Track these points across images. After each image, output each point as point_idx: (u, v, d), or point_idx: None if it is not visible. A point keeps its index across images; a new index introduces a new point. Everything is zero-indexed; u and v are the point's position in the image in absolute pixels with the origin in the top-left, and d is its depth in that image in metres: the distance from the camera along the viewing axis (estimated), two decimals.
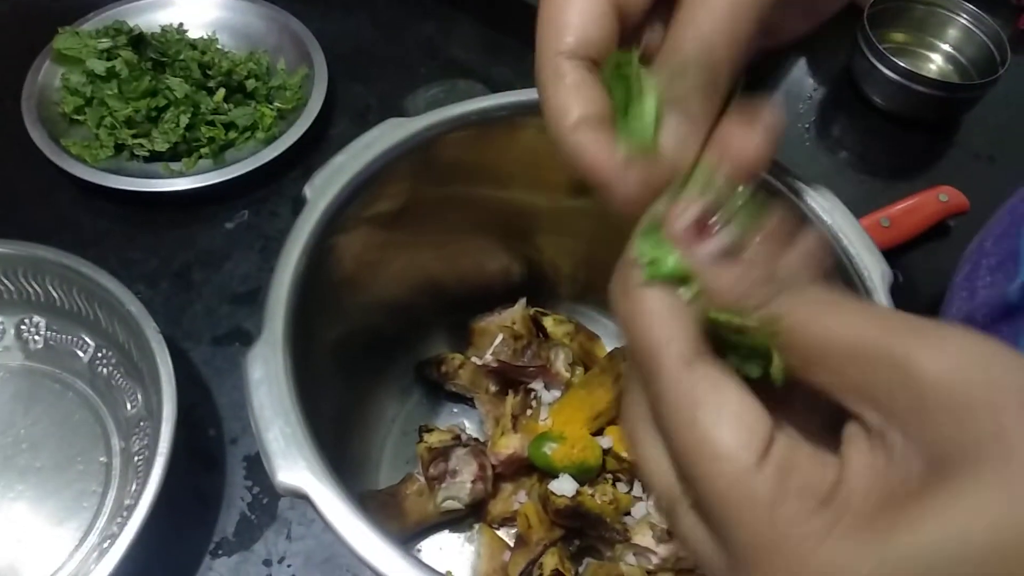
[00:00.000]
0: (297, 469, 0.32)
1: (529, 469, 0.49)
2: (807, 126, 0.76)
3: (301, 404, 0.34)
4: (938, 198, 0.65)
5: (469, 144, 0.45)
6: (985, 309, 0.46)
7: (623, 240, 0.24)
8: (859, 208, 0.44)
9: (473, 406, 0.54)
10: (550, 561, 0.44)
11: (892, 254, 0.61)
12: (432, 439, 0.48)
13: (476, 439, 0.50)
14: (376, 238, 0.46)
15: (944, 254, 0.58)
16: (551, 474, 0.46)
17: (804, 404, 0.20)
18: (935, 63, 0.79)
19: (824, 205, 0.39)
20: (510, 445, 0.47)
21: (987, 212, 0.51)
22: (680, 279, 0.21)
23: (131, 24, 0.70)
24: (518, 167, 0.48)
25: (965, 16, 0.76)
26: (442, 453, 0.47)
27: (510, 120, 0.45)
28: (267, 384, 0.34)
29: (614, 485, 0.47)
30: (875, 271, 0.37)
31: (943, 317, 0.52)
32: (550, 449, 0.46)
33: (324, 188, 0.40)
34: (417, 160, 0.43)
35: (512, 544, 0.48)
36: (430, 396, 0.55)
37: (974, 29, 0.75)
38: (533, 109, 0.45)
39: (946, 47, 0.78)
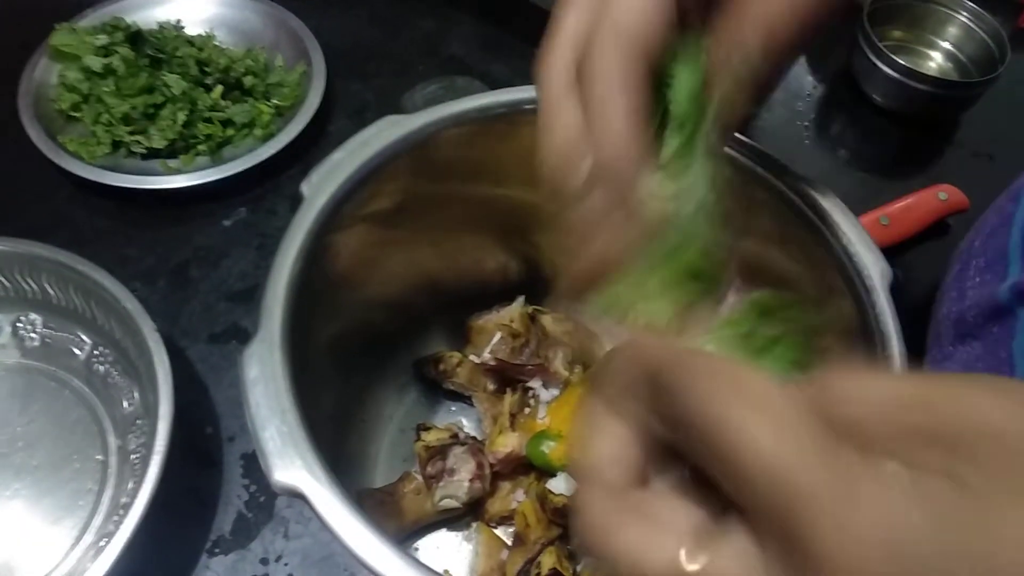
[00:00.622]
0: (293, 468, 0.32)
1: (527, 468, 0.48)
2: (806, 124, 0.75)
3: (298, 402, 0.34)
4: (937, 196, 0.65)
5: (467, 141, 0.45)
6: (976, 310, 0.46)
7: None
8: (858, 206, 0.43)
9: (471, 404, 0.54)
10: (548, 560, 0.44)
11: (891, 252, 0.61)
12: (430, 437, 0.48)
13: (474, 437, 0.49)
14: (373, 236, 0.45)
15: (943, 252, 0.58)
16: (549, 473, 0.46)
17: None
18: (935, 61, 0.78)
19: (823, 203, 0.39)
20: (508, 444, 0.47)
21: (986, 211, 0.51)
22: None
23: (128, 20, 0.70)
24: (516, 164, 0.47)
25: (965, 14, 0.76)
26: (440, 451, 0.47)
27: (508, 117, 0.45)
28: (263, 382, 0.34)
29: None
30: (874, 269, 0.37)
31: (934, 317, 0.52)
32: (548, 448, 0.46)
33: (321, 185, 0.40)
34: (415, 157, 0.43)
35: (510, 543, 0.48)
36: (428, 394, 0.55)
37: (974, 27, 0.75)
38: (532, 106, 0.45)
39: (946, 45, 0.78)
